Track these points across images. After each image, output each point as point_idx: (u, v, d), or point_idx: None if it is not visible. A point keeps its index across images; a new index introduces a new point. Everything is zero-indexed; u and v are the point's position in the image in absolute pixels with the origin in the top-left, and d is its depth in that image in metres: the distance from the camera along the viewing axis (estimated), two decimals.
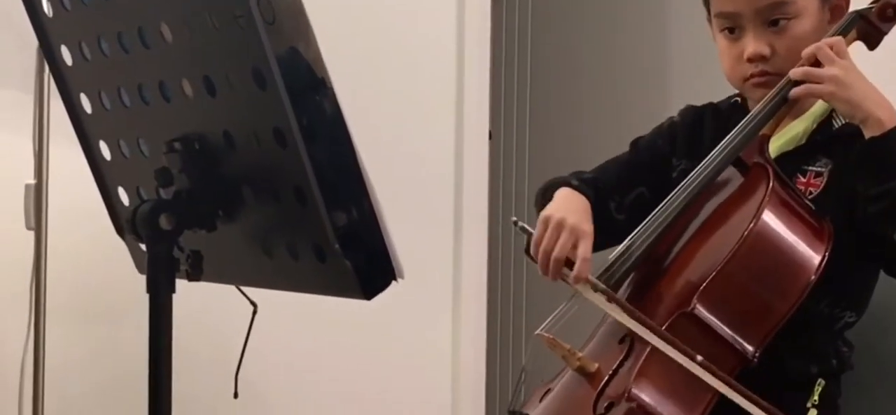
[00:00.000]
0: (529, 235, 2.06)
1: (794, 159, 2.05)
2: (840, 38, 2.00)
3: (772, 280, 1.91)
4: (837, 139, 2.05)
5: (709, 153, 2.04)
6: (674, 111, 2.28)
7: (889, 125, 1.92)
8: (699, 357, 1.85)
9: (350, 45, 3.40)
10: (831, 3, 2.09)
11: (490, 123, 3.98)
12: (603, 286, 1.98)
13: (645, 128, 2.31)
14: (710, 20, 2.15)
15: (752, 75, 2.07)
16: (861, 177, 1.94)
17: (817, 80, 1.96)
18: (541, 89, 4.79)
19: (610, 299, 1.97)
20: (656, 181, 2.17)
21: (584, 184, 2.15)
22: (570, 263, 2.00)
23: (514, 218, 2.09)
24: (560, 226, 2.02)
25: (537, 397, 2.12)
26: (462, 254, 3.80)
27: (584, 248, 2.00)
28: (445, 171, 3.78)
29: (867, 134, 1.94)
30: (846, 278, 1.99)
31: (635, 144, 2.27)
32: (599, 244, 2.13)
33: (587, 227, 2.03)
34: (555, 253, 2.01)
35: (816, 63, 1.97)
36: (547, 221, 2.04)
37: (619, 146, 2.30)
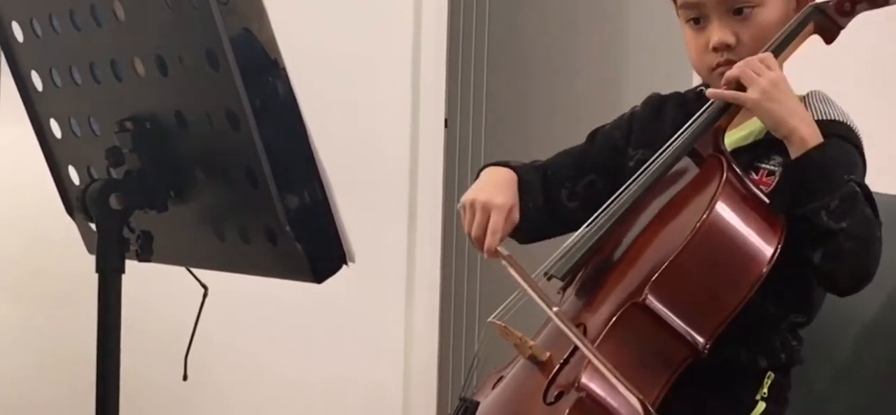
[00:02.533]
0: None
1: (749, 154, 2.05)
2: (770, 54, 2.00)
3: (723, 272, 1.91)
4: None
5: (667, 142, 2.04)
6: (629, 103, 2.28)
7: (812, 141, 1.92)
8: (555, 308, 1.91)
9: (304, 28, 3.39)
10: None
11: (446, 110, 3.97)
12: (507, 254, 2.02)
13: (601, 118, 2.32)
14: (678, 13, 2.15)
15: (718, 64, 2.06)
16: (801, 194, 1.94)
17: (749, 83, 1.95)
18: (497, 78, 4.79)
19: (518, 273, 1.99)
20: (609, 170, 2.17)
21: (525, 167, 2.18)
22: None
23: (459, 203, 2.11)
24: (472, 206, 2.08)
25: (489, 384, 2.12)
26: (416, 240, 3.80)
27: (494, 221, 2.05)
28: (400, 157, 3.77)
29: (791, 151, 1.94)
30: (792, 280, 1.99)
31: (592, 134, 2.28)
32: (552, 230, 2.15)
33: (498, 199, 2.08)
34: (473, 233, 2.07)
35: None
36: (463, 205, 2.09)
37: (575, 135, 2.30)
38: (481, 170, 2.20)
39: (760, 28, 2.05)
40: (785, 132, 1.94)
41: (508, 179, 2.14)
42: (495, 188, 2.11)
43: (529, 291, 1.97)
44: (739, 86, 1.96)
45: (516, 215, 2.11)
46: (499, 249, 2.03)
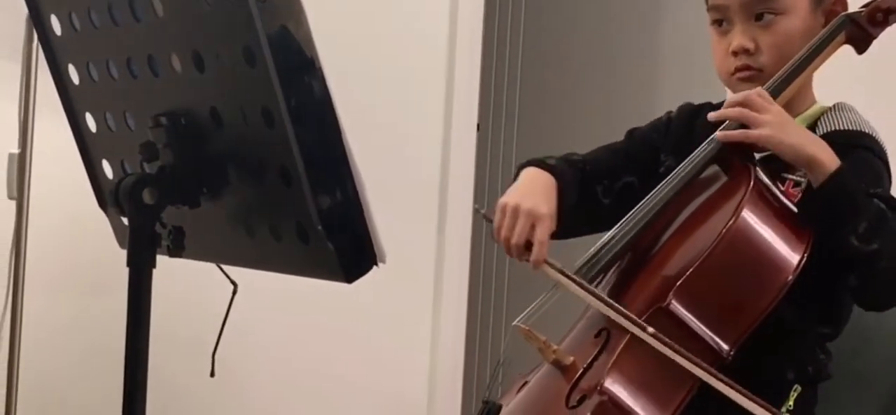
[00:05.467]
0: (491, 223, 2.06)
1: (776, 164, 2.05)
2: (762, 88, 1.99)
3: (748, 279, 1.91)
4: None
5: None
6: (664, 108, 2.29)
7: (831, 165, 1.91)
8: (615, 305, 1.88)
9: (341, 29, 3.40)
10: (825, 7, 2.09)
11: (478, 114, 3.97)
12: (559, 267, 1.98)
13: (634, 121, 2.32)
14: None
15: (737, 69, 2.08)
16: (826, 221, 1.92)
17: (756, 124, 1.94)
18: (530, 82, 4.79)
19: (569, 279, 1.97)
20: (647, 173, 2.17)
21: (565, 163, 2.16)
22: (531, 247, 2.00)
23: (476, 205, 2.09)
24: (516, 211, 2.02)
25: (515, 388, 2.12)
26: (445, 243, 3.80)
27: (541, 231, 2.01)
28: (432, 160, 3.78)
29: (813, 178, 1.92)
30: (820, 292, 1.99)
31: (631, 133, 2.28)
32: (583, 228, 2.12)
33: (544, 208, 2.03)
34: (513, 239, 2.01)
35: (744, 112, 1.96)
36: (504, 208, 2.04)
37: (608, 140, 2.30)
38: (521, 168, 2.17)
39: (781, 36, 2.05)
40: (805, 160, 1.93)
41: (551, 187, 2.09)
42: (541, 197, 2.06)
43: (585, 294, 1.95)
44: (743, 126, 1.96)
45: (555, 224, 2.06)
46: (550, 260, 1.99)
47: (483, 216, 2.08)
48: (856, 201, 1.91)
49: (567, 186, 2.12)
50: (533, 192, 2.07)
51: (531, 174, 2.13)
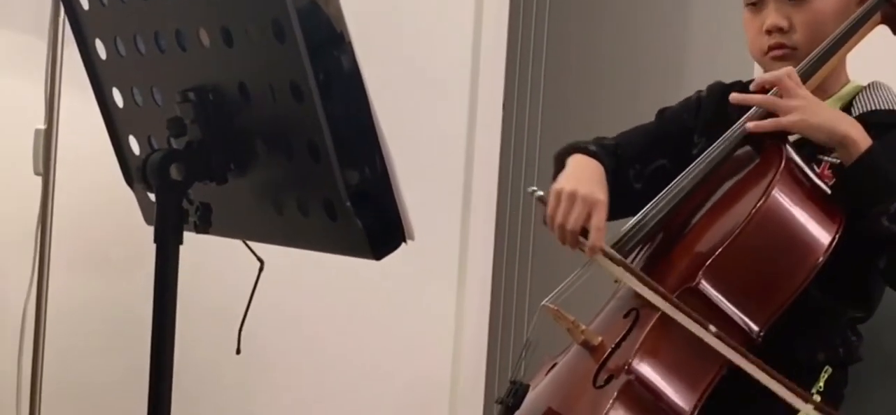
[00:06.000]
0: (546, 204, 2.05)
1: (812, 146, 2.02)
2: (792, 68, 1.98)
3: (779, 260, 1.90)
4: None
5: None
6: (691, 87, 2.27)
7: (864, 144, 1.91)
8: (712, 327, 1.84)
9: (367, 5, 3.38)
10: None
11: (504, 93, 3.96)
12: (618, 256, 1.98)
13: (660, 102, 2.30)
14: None
15: (771, 48, 2.08)
16: (858, 201, 1.91)
17: (785, 111, 1.94)
18: (556, 60, 4.77)
19: (625, 269, 1.96)
20: (679, 154, 2.16)
21: (603, 149, 2.15)
22: (585, 233, 1.99)
23: (533, 187, 2.08)
24: (573, 197, 2.01)
25: (543, 370, 2.11)
26: (470, 222, 3.79)
27: (598, 218, 1.99)
28: (458, 139, 3.76)
29: (844, 158, 1.92)
30: (852, 274, 1.98)
31: (661, 113, 2.26)
32: (614, 212, 2.12)
33: (600, 195, 2.02)
34: (569, 225, 2.00)
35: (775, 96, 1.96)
36: (559, 193, 2.02)
37: (634, 120, 2.29)
38: (562, 154, 2.15)
39: (815, 14, 2.05)
40: (838, 139, 1.92)
41: (601, 173, 2.09)
42: (596, 184, 2.05)
43: (639, 284, 1.94)
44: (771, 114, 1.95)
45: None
46: (604, 247, 1.98)
47: (539, 199, 2.05)
48: (887, 182, 1.90)
49: (610, 173, 2.11)
50: (588, 179, 2.06)
51: (580, 161, 2.11)
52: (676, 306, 1.87)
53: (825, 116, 1.94)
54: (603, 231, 1.99)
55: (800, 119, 1.93)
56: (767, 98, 1.96)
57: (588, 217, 1.99)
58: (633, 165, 2.18)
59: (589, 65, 4.66)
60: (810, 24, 2.04)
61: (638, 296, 1.97)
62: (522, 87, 4.79)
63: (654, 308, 1.90)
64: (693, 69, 4.29)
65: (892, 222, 1.88)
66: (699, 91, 2.25)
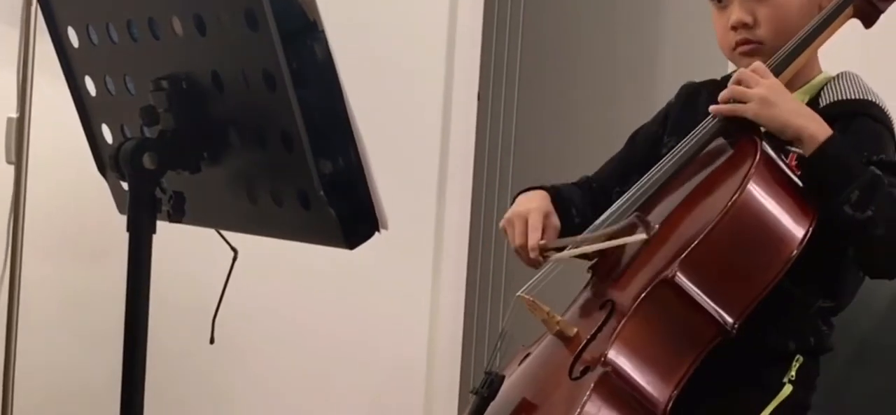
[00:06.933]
0: None
1: (781, 138, 2.04)
2: (761, 64, 2.00)
3: (754, 252, 1.91)
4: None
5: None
6: (665, 77, 2.29)
7: (822, 136, 1.92)
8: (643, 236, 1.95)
9: None
10: None
11: (479, 82, 3.96)
12: (561, 241, 2.09)
13: (635, 93, 2.31)
14: None
15: (738, 43, 2.09)
16: (821, 192, 1.93)
17: (742, 99, 1.96)
18: (531, 51, 4.77)
19: (573, 246, 2.05)
20: (652, 164, 2.17)
21: (564, 186, 2.25)
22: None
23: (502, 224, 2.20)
24: (511, 222, 2.15)
25: (516, 360, 2.11)
26: (445, 213, 3.79)
27: (533, 219, 2.12)
28: (433, 129, 3.76)
29: (804, 150, 1.94)
30: (822, 266, 1.99)
31: (633, 136, 2.32)
32: None
33: (533, 205, 2.15)
34: (517, 242, 2.13)
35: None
36: (503, 228, 2.18)
37: (608, 110, 2.30)
38: (516, 196, 2.25)
39: (778, 9, 2.06)
40: (792, 133, 1.94)
41: (540, 194, 2.20)
42: (528, 201, 2.18)
43: (588, 248, 2.03)
44: (736, 102, 1.97)
45: (556, 221, 2.16)
46: (542, 243, 2.09)
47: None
48: (848, 169, 1.91)
49: (566, 192, 2.23)
50: (525, 201, 2.20)
51: (520, 196, 2.24)
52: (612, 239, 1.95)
53: (782, 107, 1.95)
54: (538, 230, 2.11)
55: (755, 109, 1.95)
56: (731, 87, 1.98)
57: (526, 227, 2.11)
58: (614, 188, 2.21)
59: (564, 54, 4.66)
60: (774, 19, 2.06)
61: (610, 285, 1.98)
62: (498, 77, 4.79)
63: (631, 299, 1.91)
64: (667, 59, 4.29)
65: (855, 210, 1.89)
66: (669, 101, 2.28)
